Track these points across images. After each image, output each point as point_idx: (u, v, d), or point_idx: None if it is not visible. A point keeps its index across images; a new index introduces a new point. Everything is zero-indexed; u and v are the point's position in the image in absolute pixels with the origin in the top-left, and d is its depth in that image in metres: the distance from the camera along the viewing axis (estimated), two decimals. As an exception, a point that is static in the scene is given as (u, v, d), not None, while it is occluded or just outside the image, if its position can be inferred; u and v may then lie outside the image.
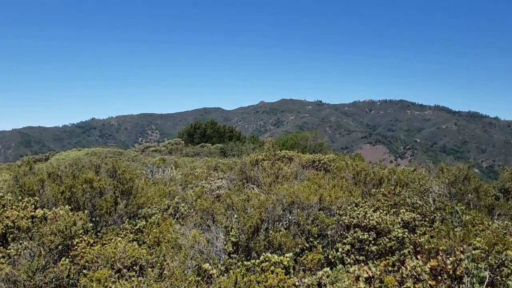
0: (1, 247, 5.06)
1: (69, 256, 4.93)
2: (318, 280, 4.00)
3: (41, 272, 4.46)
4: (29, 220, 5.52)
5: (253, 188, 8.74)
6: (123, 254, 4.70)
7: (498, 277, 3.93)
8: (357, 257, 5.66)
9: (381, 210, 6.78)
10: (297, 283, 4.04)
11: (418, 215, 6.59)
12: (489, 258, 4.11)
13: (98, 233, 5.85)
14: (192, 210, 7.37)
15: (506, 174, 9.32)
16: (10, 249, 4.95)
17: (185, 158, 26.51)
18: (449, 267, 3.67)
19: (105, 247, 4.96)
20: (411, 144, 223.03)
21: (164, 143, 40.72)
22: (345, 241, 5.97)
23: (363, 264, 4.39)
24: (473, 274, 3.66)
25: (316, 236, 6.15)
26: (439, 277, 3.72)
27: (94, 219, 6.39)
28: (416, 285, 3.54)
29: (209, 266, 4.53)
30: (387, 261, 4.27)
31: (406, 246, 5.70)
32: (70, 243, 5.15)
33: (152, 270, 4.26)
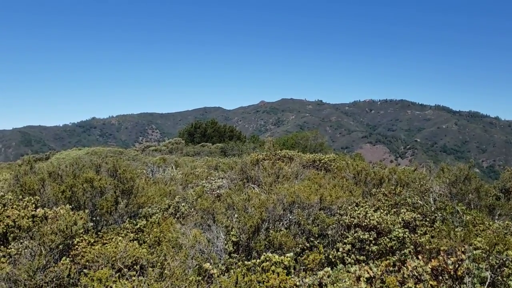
0: (2, 247, 5.06)
1: (70, 256, 4.94)
2: (319, 280, 3.99)
3: (41, 272, 4.46)
4: (29, 220, 5.52)
5: (254, 188, 8.74)
6: (123, 254, 4.70)
7: (499, 277, 3.92)
8: (357, 257, 5.66)
9: (381, 210, 6.78)
10: (298, 283, 4.04)
11: (418, 215, 6.58)
12: (490, 258, 4.10)
13: (99, 233, 5.85)
14: (192, 209, 7.37)
15: (507, 174, 9.31)
16: (11, 248, 4.95)
17: (185, 157, 26.52)
18: (450, 267, 3.66)
19: (106, 246, 4.97)
20: (412, 144, 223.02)
21: (164, 143, 40.74)
22: (345, 241, 5.97)
23: (363, 264, 4.39)
24: (474, 274, 3.66)
25: (316, 235, 6.14)
26: (440, 277, 3.72)
27: (94, 218, 6.39)
28: (417, 285, 3.53)
29: (210, 266, 4.53)
30: (388, 261, 4.27)
31: (406, 246, 5.70)
32: (70, 242, 5.15)
33: (153, 270, 4.26)
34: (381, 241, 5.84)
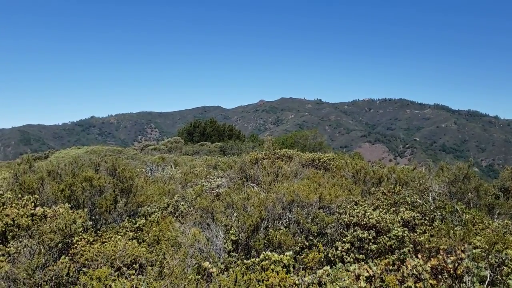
0: (1, 245, 5.05)
1: (69, 254, 4.93)
2: (318, 278, 3.99)
3: (40, 270, 4.45)
4: (29, 218, 5.51)
5: (253, 187, 8.73)
6: (123, 252, 4.70)
7: (498, 276, 3.92)
8: (356, 255, 5.66)
9: (380, 209, 6.78)
10: (297, 282, 4.04)
11: (418, 214, 6.59)
12: (490, 257, 4.10)
13: (98, 231, 5.84)
14: (191, 208, 7.37)
15: (506, 173, 9.32)
16: (10, 247, 4.94)
17: (184, 156, 26.51)
18: (450, 266, 3.66)
19: (105, 245, 4.96)
20: (411, 143, 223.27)
21: (163, 142, 40.72)
22: (344, 239, 5.97)
23: (363, 263, 4.39)
24: (474, 273, 3.66)
25: (315, 234, 6.15)
26: (440, 276, 3.72)
27: (93, 217, 6.38)
28: (417, 284, 3.53)
29: (209, 265, 4.53)
30: (387, 260, 4.27)
31: (406, 245, 5.70)
32: (70, 241, 5.15)
33: (152, 269, 4.25)
34: (380, 240, 5.84)
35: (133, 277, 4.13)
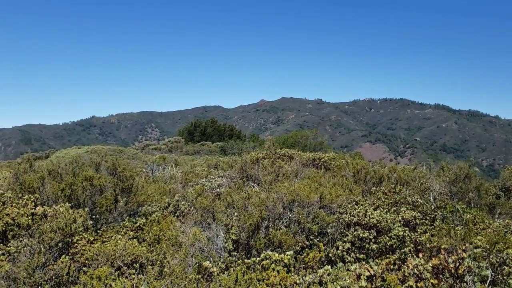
0: (1, 245, 5.05)
1: (69, 254, 4.93)
2: (319, 278, 3.99)
3: (41, 270, 4.45)
4: (29, 218, 5.51)
5: (254, 186, 8.73)
6: (123, 252, 4.69)
7: (500, 276, 3.91)
8: (357, 255, 5.65)
9: (381, 209, 6.78)
10: (298, 281, 4.03)
11: (418, 214, 6.58)
12: (491, 257, 4.09)
13: (98, 231, 5.84)
14: (192, 208, 7.36)
15: (507, 172, 9.31)
16: (10, 246, 4.94)
17: (185, 156, 26.52)
18: (451, 265, 3.65)
19: (105, 244, 4.96)
20: (411, 142, 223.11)
21: (164, 141, 40.73)
22: (345, 239, 5.97)
23: (364, 263, 4.38)
24: (475, 273, 3.65)
25: (316, 234, 6.14)
26: (441, 276, 3.71)
27: (94, 216, 6.38)
28: (418, 284, 3.52)
29: (210, 264, 4.52)
30: (388, 259, 4.26)
31: (407, 244, 5.70)
32: (70, 240, 5.14)
33: (153, 268, 4.25)
34: (381, 239, 5.84)
35: (133, 276, 4.13)
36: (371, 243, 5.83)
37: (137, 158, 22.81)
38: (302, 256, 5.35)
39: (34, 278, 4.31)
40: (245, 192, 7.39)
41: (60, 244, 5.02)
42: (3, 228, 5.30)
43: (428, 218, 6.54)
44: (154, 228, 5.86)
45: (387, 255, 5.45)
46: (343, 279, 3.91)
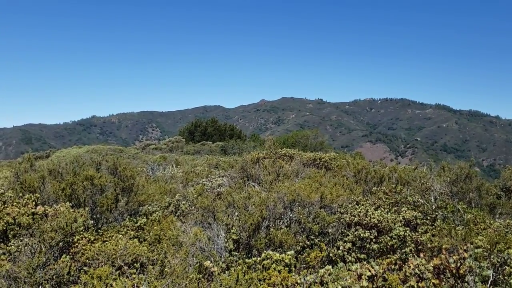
0: (2, 244, 5.05)
1: (70, 253, 4.93)
2: (320, 278, 3.98)
3: (41, 269, 4.45)
4: (29, 217, 5.51)
5: (254, 186, 8.73)
6: (124, 251, 4.69)
7: (501, 276, 3.91)
8: (358, 255, 5.65)
9: (382, 208, 6.77)
10: (299, 281, 4.03)
11: (419, 214, 6.57)
12: (492, 256, 4.09)
13: (99, 230, 5.84)
14: (193, 207, 7.36)
15: (508, 172, 9.29)
16: (11, 245, 4.94)
17: (185, 156, 26.52)
18: (452, 265, 3.65)
19: (106, 244, 4.95)
20: (412, 142, 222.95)
21: (164, 141, 40.74)
22: (346, 239, 5.96)
23: (365, 263, 4.38)
24: (476, 272, 3.64)
25: (317, 234, 6.13)
26: (442, 276, 3.71)
27: (95, 216, 6.38)
28: (419, 284, 3.52)
29: (210, 264, 4.52)
30: (389, 259, 4.26)
31: (407, 244, 5.69)
32: (70, 240, 5.14)
33: (153, 268, 4.24)
34: (382, 239, 5.83)
35: (134, 276, 4.13)
36: (372, 243, 5.82)
37: (137, 158, 22.82)
38: (303, 256, 5.35)
39: (34, 277, 4.31)
40: (245, 192, 7.39)
41: (60, 243, 5.02)
42: (4, 228, 5.30)
43: (429, 218, 6.53)
44: (155, 227, 5.86)
45: (388, 255, 5.45)
46: (344, 279, 3.90)
